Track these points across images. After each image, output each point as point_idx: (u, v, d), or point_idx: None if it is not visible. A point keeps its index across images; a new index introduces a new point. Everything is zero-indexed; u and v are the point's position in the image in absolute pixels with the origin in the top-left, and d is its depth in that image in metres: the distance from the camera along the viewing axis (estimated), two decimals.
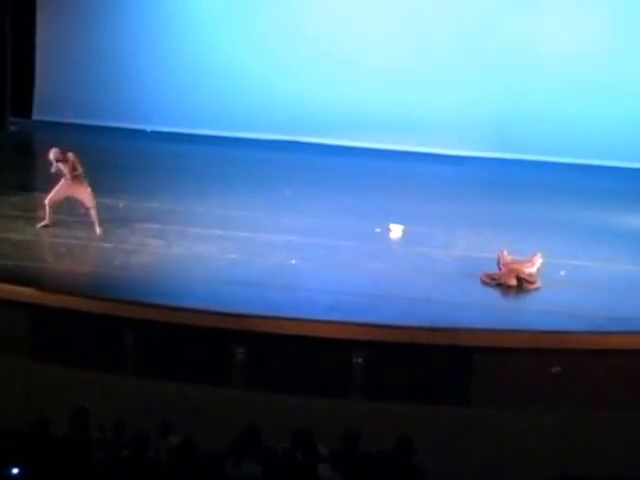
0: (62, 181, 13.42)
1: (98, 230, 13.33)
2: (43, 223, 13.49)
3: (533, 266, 12.43)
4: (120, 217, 14.12)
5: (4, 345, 11.57)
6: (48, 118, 19.27)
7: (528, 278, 12.37)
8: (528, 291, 12.33)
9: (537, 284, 12.36)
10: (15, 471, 7.41)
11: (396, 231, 14.17)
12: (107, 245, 13.11)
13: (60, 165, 13.34)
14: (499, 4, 18.40)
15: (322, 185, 16.52)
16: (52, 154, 13.40)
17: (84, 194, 13.41)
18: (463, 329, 11.19)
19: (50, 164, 13.43)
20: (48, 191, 13.60)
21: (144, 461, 7.79)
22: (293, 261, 12.87)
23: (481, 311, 11.72)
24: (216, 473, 7.68)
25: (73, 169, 13.33)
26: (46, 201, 13.46)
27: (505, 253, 12.51)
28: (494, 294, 12.27)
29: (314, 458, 7.82)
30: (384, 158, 17.94)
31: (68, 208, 14.27)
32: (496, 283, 12.39)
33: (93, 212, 13.40)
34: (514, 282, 12.35)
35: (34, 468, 7.49)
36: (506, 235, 13.78)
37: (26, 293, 11.70)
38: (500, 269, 12.46)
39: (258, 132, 18.61)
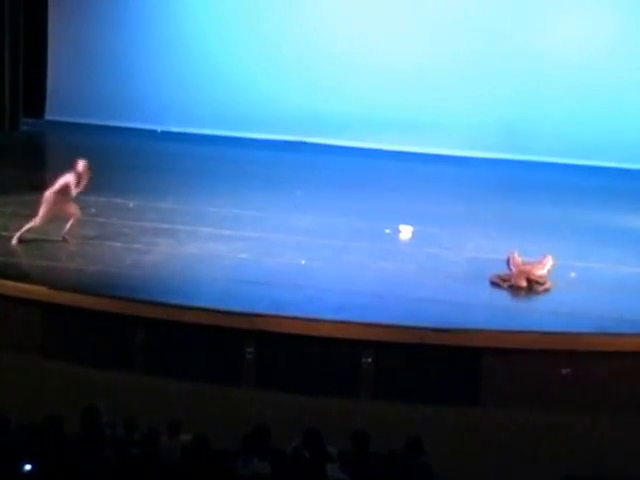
0: (46, 204, 12.96)
1: (66, 237, 13.08)
2: (15, 240, 13.01)
3: (543, 268, 12.42)
4: (131, 216, 14.18)
5: (16, 343, 11.64)
6: (60, 118, 19.35)
7: (538, 280, 12.37)
8: (538, 292, 12.34)
9: (547, 285, 12.38)
10: (28, 467, 7.47)
11: (406, 232, 14.19)
12: (118, 244, 13.17)
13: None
14: (509, 6, 18.41)
15: (332, 186, 16.55)
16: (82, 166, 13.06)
17: (71, 207, 13.10)
18: (472, 330, 11.20)
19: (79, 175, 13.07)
20: None
21: (154, 459, 7.83)
22: (302, 261, 12.90)
23: (490, 312, 11.73)
24: (226, 472, 7.71)
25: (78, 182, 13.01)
26: (35, 224, 13.00)
27: (515, 254, 12.52)
28: (503, 295, 12.29)
29: (323, 458, 7.85)
30: (393, 159, 17.98)
31: (80, 207, 14.32)
32: (507, 284, 12.40)
33: (73, 222, 13.16)
34: (524, 283, 12.35)
35: (46, 465, 7.54)
36: (515, 236, 13.80)
37: (38, 291, 11.75)
38: (510, 270, 12.47)
39: (268, 133, 18.66)
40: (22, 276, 12.02)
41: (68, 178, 13.02)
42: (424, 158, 18.13)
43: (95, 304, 11.56)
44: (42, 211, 12.99)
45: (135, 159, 17.10)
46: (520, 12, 18.29)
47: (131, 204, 14.68)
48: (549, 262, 12.45)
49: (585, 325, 11.36)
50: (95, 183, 15.26)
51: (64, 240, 13.08)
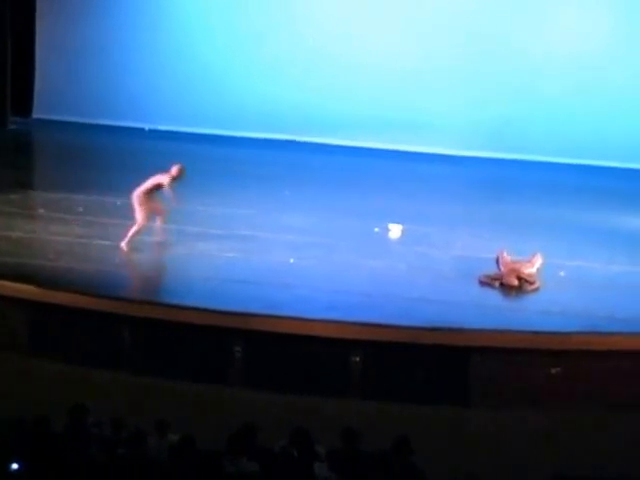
0: (138, 203, 12.88)
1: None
2: (126, 246, 12.87)
3: (532, 266, 12.40)
4: (118, 215, 14.09)
5: (3, 342, 11.58)
6: (48, 116, 19.27)
7: (528, 278, 12.34)
8: (527, 291, 12.31)
9: (536, 284, 12.34)
10: (15, 467, 7.42)
11: (395, 231, 14.16)
12: (106, 243, 13.10)
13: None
14: (499, 5, 18.40)
15: (321, 184, 16.52)
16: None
17: (158, 208, 13.11)
18: (461, 329, 11.17)
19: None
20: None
21: (141, 458, 7.78)
22: (291, 260, 12.87)
23: (480, 311, 11.70)
24: (213, 471, 7.67)
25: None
26: (139, 227, 12.87)
27: (504, 253, 12.50)
28: (493, 294, 12.26)
29: (311, 457, 7.81)
30: (383, 158, 17.93)
31: (68, 206, 14.29)
32: (497, 283, 12.35)
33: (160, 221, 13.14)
34: (515, 282, 12.31)
35: (33, 464, 7.49)
36: (505, 235, 13.76)
37: (26, 290, 11.70)
38: (499, 269, 12.45)
39: (257, 131, 18.60)
40: (9, 275, 11.95)
41: (160, 179, 12.96)
42: (415, 157, 18.08)
43: (83, 303, 11.51)
44: (139, 212, 12.88)
45: (123, 157, 17.03)
46: (513, 13, 18.24)
47: (119, 202, 14.59)
48: (538, 261, 12.42)
49: (576, 324, 11.34)
50: (83, 181, 15.28)
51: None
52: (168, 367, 11.22)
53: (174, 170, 13.01)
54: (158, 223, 13.14)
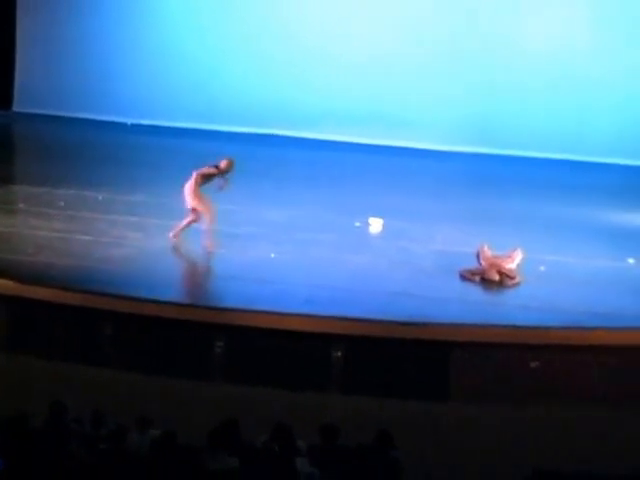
0: (191, 198, 12.78)
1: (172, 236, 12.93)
2: (211, 247, 12.84)
3: (513, 261, 12.43)
4: (100, 210, 14.07)
5: None
6: (28, 110, 19.21)
7: (508, 273, 12.38)
8: (508, 286, 12.34)
9: (517, 279, 12.38)
10: None
11: (375, 225, 14.18)
12: (87, 237, 13.07)
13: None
14: (483, 3, 18.42)
15: (302, 179, 16.52)
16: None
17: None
18: (442, 323, 11.19)
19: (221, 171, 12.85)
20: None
21: (122, 454, 7.77)
22: (272, 254, 12.86)
23: (460, 306, 11.73)
24: (194, 466, 7.66)
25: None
26: (209, 221, 12.79)
27: (485, 248, 12.52)
28: (473, 289, 12.28)
29: (292, 452, 7.81)
30: (364, 152, 17.96)
31: (49, 200, 14.25)
32: (478, 278, 12.38)
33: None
34: (496, 277, 12.34)
35: (13, 460, 7.46)
36: (486, 230, 13.79)
37: (5, 285, 11.64)
38: (480, 264, 12.47)
39: (238, 125, 18.60)
40: None
41: (207, 170, 12.89)
42: (395, 151, 18.12)
43: (63, 298, 11.47)
44: (200, 207, 12.80)
45: (105, 152, 16.99)
46: (497, 10, 18.31)
47: (100, 197, 14.58)
48: (518, 256, 12.45)
49: (556, 319, 11.38)
50: (64, 176, 15.24)
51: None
52: (149, 362, 11.20)
53: (223, 163, 12.96)
54: (184, 222, 13.02)
